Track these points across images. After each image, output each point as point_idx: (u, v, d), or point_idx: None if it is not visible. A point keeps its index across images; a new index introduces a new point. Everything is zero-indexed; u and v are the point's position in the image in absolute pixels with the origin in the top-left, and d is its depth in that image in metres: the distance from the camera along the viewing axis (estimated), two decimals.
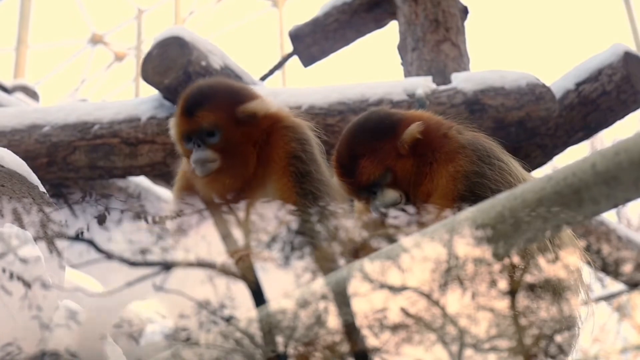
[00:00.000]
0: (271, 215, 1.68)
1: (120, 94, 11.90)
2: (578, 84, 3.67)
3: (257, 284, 1.54)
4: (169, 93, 3.44)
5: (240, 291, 1.52)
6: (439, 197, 2.02)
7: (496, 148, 2.13)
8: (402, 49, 4.03)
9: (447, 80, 3.57)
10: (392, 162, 2.10)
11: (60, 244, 1.79)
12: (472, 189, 1.99)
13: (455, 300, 1.38)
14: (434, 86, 3.49)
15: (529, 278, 1.51)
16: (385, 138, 2.14)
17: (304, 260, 1.52)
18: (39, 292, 1.69)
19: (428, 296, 1.37)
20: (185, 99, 2.20)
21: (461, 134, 2.15)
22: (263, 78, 4.44)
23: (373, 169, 2.11)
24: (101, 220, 1.58)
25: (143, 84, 3.54)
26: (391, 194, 2.10)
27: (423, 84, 3.49)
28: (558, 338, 1.50)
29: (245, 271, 1.56)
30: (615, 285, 6.51)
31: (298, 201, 2.05)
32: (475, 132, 2.20)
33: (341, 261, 1.57)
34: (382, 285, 1.41)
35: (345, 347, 1.44)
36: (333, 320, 1.43)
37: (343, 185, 2.15)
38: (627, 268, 5.17)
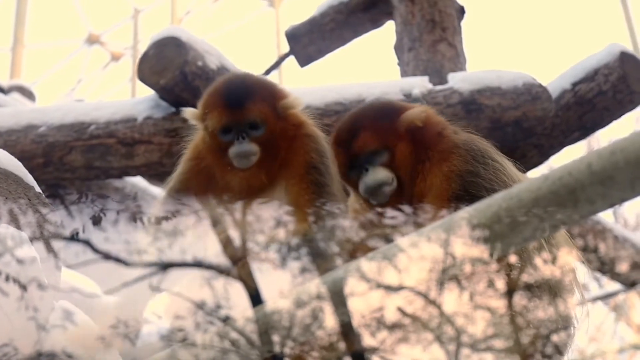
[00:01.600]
0: (271, 216, 1.68)
1: (116, 94, 11.89)
2: (574, 84, 3.67)
3: (254, 286, 1.54)
4: (165, 93, 3.44)
5: (237, 291, 1.52)
6: (433, 197, 2.02)
7: (490, 149, 2.13)
8: (398, 49, 4.03)
9: (443, 80, 3.58)
10: (390, 142, 2.08)
11: (57, 244, 1.79)
12: (466, 189, 1.99)
13: (451, 300, 1.38)
14: (430, 86, 3.49)
15: (524, 278, 1.51)
16: (387, 119, 2.12)
17: (306, 263, 1.52)
18: (35, 293, 1.69)
19: (425, 296, 1.37)
20: (228, 90, 2.17)
21: (456, 134, 2.15)
22: None
23: (370, 141, 2.07)
24: (96, 221, 1.58)
25: (139, 84, 3.54)
26: (382, 173, 2.06)
27: (419, 84, 3.49)
28: (554, 338, 1.50)
29: (243, 273, 1.56)
30: (612, 285, 6.52)
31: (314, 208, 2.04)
32: (471, 133, 2.20)
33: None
34: (379, 285, 1.41)
35: (342, 347, 1.44)
36: (330, 320, 1.43)
37: (337, 156, 2.12)
38: (624, 268, 5.18)
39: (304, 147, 2.19)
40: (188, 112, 2.23)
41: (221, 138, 2.15)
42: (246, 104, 2.13)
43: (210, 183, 2.19)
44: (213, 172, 2.20)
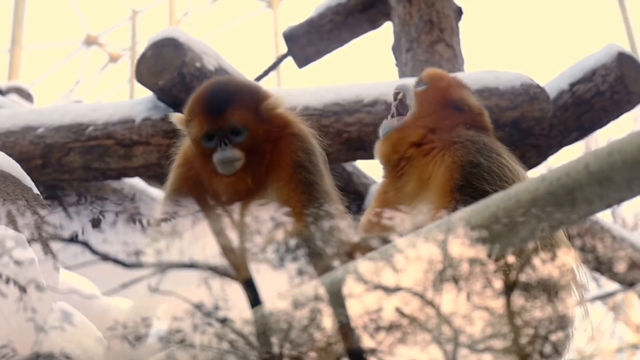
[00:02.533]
0: (268, 217, 1.68)
1: (114, 95, 11.89)
2: (572, 85, 3.67)
3: (252, 287, 1.54)
4: (163, 94, 3.44)
5: (235, 292, 1.52)
6: (436, 187, 2.05)
7: (498, 146, 2.15)
8: (396, 49, 4.04)
9: None
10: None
11: (55, 245, 1.79)
12: (468, 180, 2.00)
13: (449, 301, 1.38)
14: None
15: (522, 278, 1.52)
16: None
17: (303, 264, 1.52)
18: (33, 294, 1.69)
19: (424, 297, 1.37)
20: (209, 97, 2.17)
21: (464, 129, 2.18)
22: (258, 79, 4.44)
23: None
24: (96, 223, 1.58)
25: (137, 85, 3.54)
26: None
27: None
28: (552, 338, 1.50)
29: (241, 275, 1.56)
30: (610, 285, 6.52)
31: (306, 209, 2.05)
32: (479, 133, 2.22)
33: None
34: (377, 286, 1.41)
35: (340, 348, 1.44)
36: (328, 321, 1.43)
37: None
38: (622, 268, 5.18)
39: (290, 147, 2.18)
40: (175, 118, 2.24)
41: (204, 145, 2.15)
42: (227, 111, 2.12)
43: (201, 188, 2.19)
44: (202, 178, 2.19)
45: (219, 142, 2.12)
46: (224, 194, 2.14)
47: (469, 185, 1.99)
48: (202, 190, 2.17)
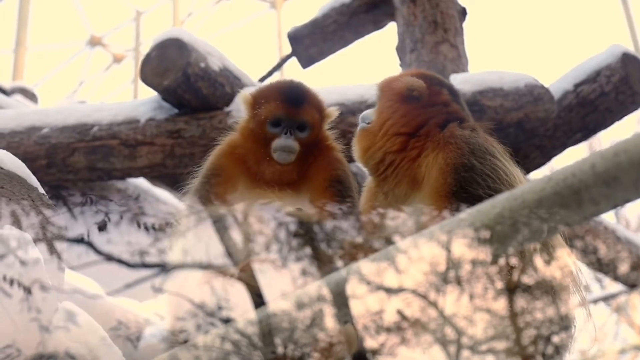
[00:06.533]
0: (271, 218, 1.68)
1: (118, 95, 11.91)
2: (576, 85, 3.67)
3: (257, 289, 1.54)
4: (167, 94, 3.44)
5: (239, 293, 1.52)
6: (430, 190, 2.04)
7: (494, 147, 2.13)
8: (400, 50, 4.03)
9: None
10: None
11: (60, 245, 1.79)
12: (461, 184, 2.00)
13: (454, 302, 1.38)
14: None
15: (525, 279, 1.51)
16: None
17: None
18: (38, 294, 1.69)
19: (430, 298, 1.37)
20: (290, 89, 2.34)
21: (461, 128, 2.17)
22: (262, 79, 4.44)
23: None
24: (102, 227, 1.58)
25: (141, 85, 3.54)
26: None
27: None
28: (554, 338, 1.50)
29: (247, 277, 1.56)
30: (614, 286, 6.51)
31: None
32: (475, 130, 2.20)
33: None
34: (381, 287, 1.41)
35: (344, 349, 1.44)
36: (332, 322, 1.43)
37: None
38: (626, 268, 5.17)
39: (331, 161, 2.32)
40: (242, 96, 2.36)
41: (268, 128, 2.26)
42: (303, 105, 2.29)
43: (242, 174, 2.28)
44: (246, 162, 2.29)
45: (285, 130, 2.25)
46: (270, 179, 2.26)
47: (462, 190, 1.99)
48: (242, 176, 2.25)
